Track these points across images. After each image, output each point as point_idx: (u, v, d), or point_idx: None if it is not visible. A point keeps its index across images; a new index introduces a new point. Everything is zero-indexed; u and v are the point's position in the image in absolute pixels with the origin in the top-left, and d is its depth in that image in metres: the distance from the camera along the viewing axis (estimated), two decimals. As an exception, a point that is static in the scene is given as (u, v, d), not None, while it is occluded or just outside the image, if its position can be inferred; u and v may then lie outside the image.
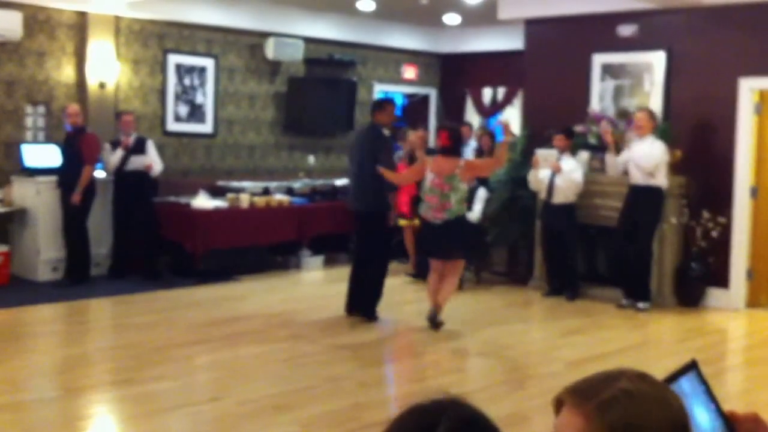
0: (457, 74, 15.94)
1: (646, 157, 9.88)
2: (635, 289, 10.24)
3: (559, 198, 10.61)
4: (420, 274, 11.16)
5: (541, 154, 10.76)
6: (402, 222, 11.88)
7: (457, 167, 8.81)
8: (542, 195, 10.80)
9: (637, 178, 10.04)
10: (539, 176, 10.75)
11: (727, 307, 10.35)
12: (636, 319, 9.91)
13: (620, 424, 1.67)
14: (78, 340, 8.76)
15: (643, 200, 10.04)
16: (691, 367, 1.96)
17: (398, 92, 16.09)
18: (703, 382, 1.96)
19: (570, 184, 10.54)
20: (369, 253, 9.36)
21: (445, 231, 8.85)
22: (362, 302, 9.45)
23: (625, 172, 10.21)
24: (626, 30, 11.08)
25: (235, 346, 8.27)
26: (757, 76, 10.16)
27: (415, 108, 16.23)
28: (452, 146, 8.93)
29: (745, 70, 10.20)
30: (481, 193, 11.14)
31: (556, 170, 10.56)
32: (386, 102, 9.84)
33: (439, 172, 8.80)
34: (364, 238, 9.46)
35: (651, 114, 10.11)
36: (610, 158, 10.28)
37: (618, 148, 10.28)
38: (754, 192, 10.33)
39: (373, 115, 9.61)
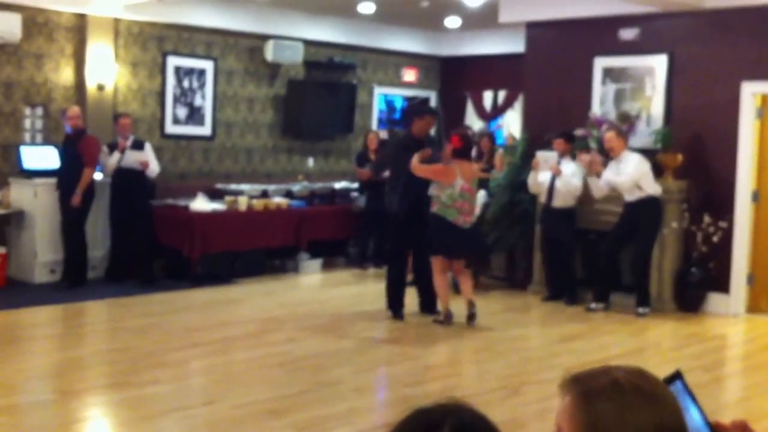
0: (458, 77, 15.90)
1: (623, 175, 9.87)
2: (636, 294, 10.18)
3: (558, 202, 10.58)
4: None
5: (542, 156, 10.73)
6: None
7: (476, 171, 9.42)
8: (542, 198, 10.77)
9: (627, 196, 10.02)
10: (539, 179, 10.71)
11: (728, 313, 10.29)
12: (635, 324, 9.85)
13: (603, 413, 1.74)
14: (74, 343, 8.70)
15: (642, 213, 9.99)
16: (676, 377, 1.91)
17: (398, 95, 16.05)
18: (689, 392, 1.91)
19: (569, 188, 10.50)
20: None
21: (472, 233, 9.40)
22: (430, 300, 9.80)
23: (614, 191, 10.19)
24: (628, 33, 11.03)
25: (231, 350, 8.23)
26: (759, 80, 10.11)
27: (415, 111, 16.14)
28: (465, 149, 9.33)
29: (747, 74, 10.15)
30: (481, 197, 11.11)
31: (556, 173, 10.52)
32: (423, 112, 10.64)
33: (467, 178, 9.23)
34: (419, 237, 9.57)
35: (618, 132, 10.09)
36: (593, 182, 10.25)
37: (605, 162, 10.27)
38: (756, 197, 10.28)
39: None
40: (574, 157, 10.69)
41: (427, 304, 9.86)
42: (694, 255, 10.38)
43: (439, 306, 9.57)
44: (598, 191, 10.25)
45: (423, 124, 9.91)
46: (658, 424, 1.73)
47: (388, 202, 9.82)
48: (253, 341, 8.59)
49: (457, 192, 9.14)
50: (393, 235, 9.84)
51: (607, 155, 10.53)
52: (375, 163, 11.16)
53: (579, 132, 10.93)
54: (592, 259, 10.58)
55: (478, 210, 9.72)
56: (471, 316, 9.43)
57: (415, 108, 10.67)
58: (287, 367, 7.69)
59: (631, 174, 9.85)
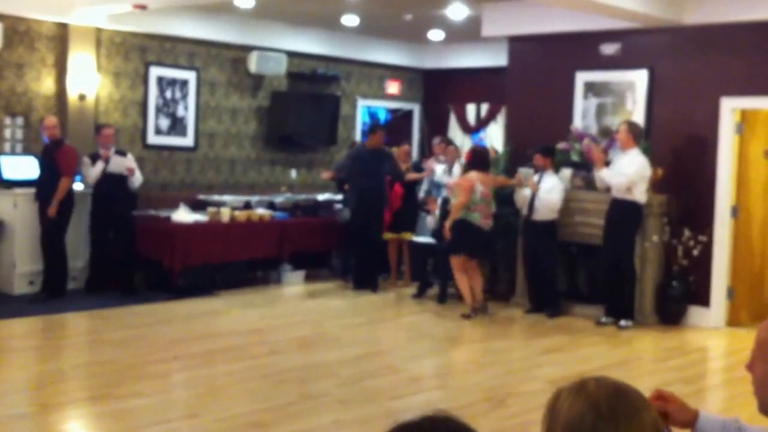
0: (441, 90, 15.95)
1: (619, 175, 9.90)
2: (618, 306, 10.22)
3: (539, 215, 10.61)
4: (422, 291, 11.79)
5: (523, 172, 10.78)
6: (388, 235, 12.01)
7: (495, 180, 10.82)
8: (524, 211, 10.81)
9: (615, 192, 10.07)
10: (524, 194, 10.76)
11: (708, 326, 10.34)
12: (617, 337, 9.88)
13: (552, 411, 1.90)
14: (54, 355, 8.64)
15: (621, 214, 10.05)
16: None
17: (382, 107, 16.08)
18: None
19: (548, 204, 10.55)
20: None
21: (490, 235, 10.68)
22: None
23: (609, 188, 10.22)
24: (609, 49, 11.10)
25: (213, 362, 8.20)
26: (739, 96, 10.19)
27: (399, 123, 16.21)
28: (475, 161, 10.71)
29: (727, 89, 10.22)
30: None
31: (533, 189, 10.59)
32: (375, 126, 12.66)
33: (486, 184, 10.51)
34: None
35: (630, 126, 10.10)
36: (596, 174, 10.27)
37: (607, 163, 10.28)
38: (735, 211, 10.34)
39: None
40: (557, 170, 10.74)
41: (361, 281, 12.01)
42: (674, 268, 10.43)
43: (463, 297, 10.71)
44: (599, 182, 10.30)
45: (374, 138, 12.19)
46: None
47: (346, 201, 12.52)
48: (235, 354, 8.56)
49: (478, 197, 10.37)
50: (350, 226, 12.17)
51: (587, 167, 10.59)
52: (336, 166, 12.94)
53: (561, 145, 10.98)
54: (602, 277, 10.55)
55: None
56: (484, 308, 10.59)
57: (372, 125, 12.54)
58: (271, 379, 7.67)
59: (630, 175, 9.88)
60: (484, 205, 10.43)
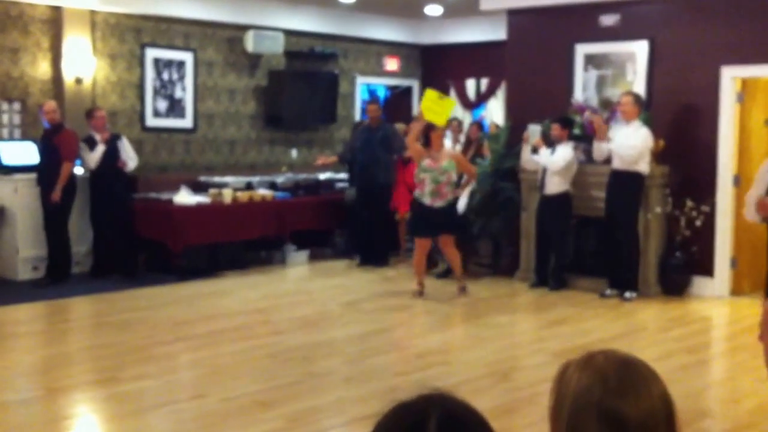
0: (440, 66, 15.89)
1: (628, 147, 9.86)
2: (622, 278, 10.21)
3: (551, 189, 10.54)
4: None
5: (531, 129, 10.74)
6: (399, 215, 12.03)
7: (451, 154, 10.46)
8: (537, 184, 10.75)
9: (617, 163, 10.03)
10: (533, 157, 10.68)
11: (712, 296, 10.33)
12: (621, 308, 9.88)
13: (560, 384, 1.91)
14: (59, 339, 8.64)
15: (623, 186, 10.02)
16: None
17: (380, 84, 16.03)
18: None
19: (554, 167, 10.41)
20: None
21: (443, 214, 10.12)
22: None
23: (609, 159, 10.18)
24: (608, 20, 11.03)
25: (218, 342, 8.19)
26: (739, 64, 10.14)
27: (398, 100, 16.16)
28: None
29: (727, 58, 10.18)
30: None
31: (538, 146, 10.53)
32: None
33: (437, 159, 10.02)
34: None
35: (636, 98, 10.07)
36: (597, 145, 10.22)
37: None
38: (737, 180, 10.31)
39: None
40: (571, 138, 10.62)
41: (368, 257, 12.17)
42: (677, 239, 10.41)
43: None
44: (599, 154, 10.24)
45: (370, 110, 12.40)
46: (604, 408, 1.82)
47: (353, 180, 12.57)
48: (240, 333, 8.56)
49: (423, 172, 9.94)
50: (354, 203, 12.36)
51: (587, 140, 10.54)
52: (343, 151, 12.91)
53: (561, 118, 10.92)
54: (604, 249, 10.52)
55: (461, 194, 10.59)
56: (463, 289, 10.39)
57: (370, 98, 12.67)
58: (276, 358, 7.67)
59: (639, 147, 9.86)
60: (432, 183, 9.92)
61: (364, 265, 12.06)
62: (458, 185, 10.35)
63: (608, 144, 10.05)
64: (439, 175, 9.86)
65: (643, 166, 9.98)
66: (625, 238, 10.13)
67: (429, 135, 9.95)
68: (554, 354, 7.78)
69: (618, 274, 10.26)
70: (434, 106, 9.98)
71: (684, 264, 10.39)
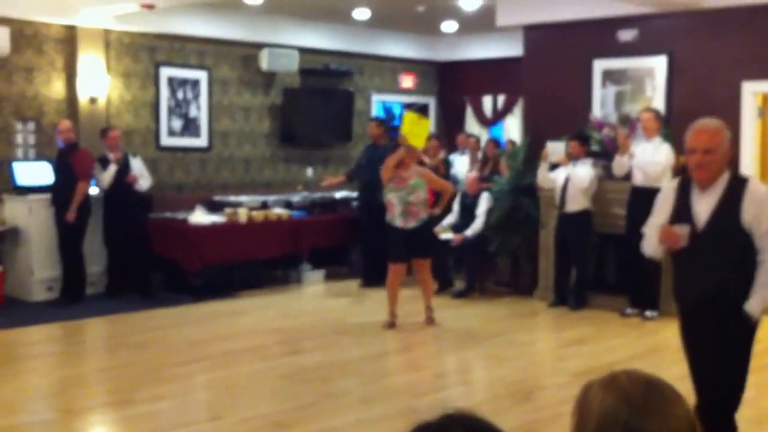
0: (456, 82, 15.81)
1: (652, 164, 9.75)
2: (643, 297, 10.07)
3: (572, 206, 10.43)
4: (442, 290, 11.47)
5: (551, 146, 10.63)
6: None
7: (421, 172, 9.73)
8: (555, 202, 10.63)
9: (639, 179, 9.91)
10: (549, 174, 10.59)
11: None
12: (642, 327, 9.74)
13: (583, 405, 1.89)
14: (74, 360, 8.54)
15: (644, 202, 9.86)
16: None
17: (396, 101, 15.96)
18: None
19: (579, 184, 10.32)
20: None
21: (415, 235, 9.53)
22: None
23: (629, 175, 10.07)
24: (626, 35, 10.93)
25: (234, 363, 8.09)
26: (760, 79, 10.01)
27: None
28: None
29: (748, 74, 10.05)
30: (484, 202, 11.15)
31: (564, 163, 10.42)
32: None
33: (404, 178, 9.49)
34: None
35: (657, 114, 9.97)
36: (618, 159, 10.11)
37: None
38: (759, 196, 10.15)
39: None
40: (590, 155, 10.52)
41: (370, 277, 11.81)
42: (699, 257, 10.24)
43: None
44: (620, 169, 10.12)
45: (370, 130, 12.33)
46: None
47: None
48: (256, 354, 8.45)
49: (389, 192, 9.43)
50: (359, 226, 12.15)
51: (607, 157, 10.43)
52: (351, 169, 12.65)
53: (580, 134, 10.83)
54: (624, 267, 10.40)
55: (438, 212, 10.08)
56: (429, 320, 9.76)
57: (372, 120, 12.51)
58: (292, 379, 7.56)
59: (662, 163, 9.75)
60: (401, 204, 9.36)
61: (368, 286, 11.77)
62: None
63: (630, 159, 9.94)
64: (407, 195, 9.35)
65: (664, 183, 9.84)
66: (646, 257, 9.97)
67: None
68: (575, 374, 7.66)
69: (639, 292, 10.13)
70: (415, 129, 9.56)
71: (706, 281, 10.22)
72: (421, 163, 10.50)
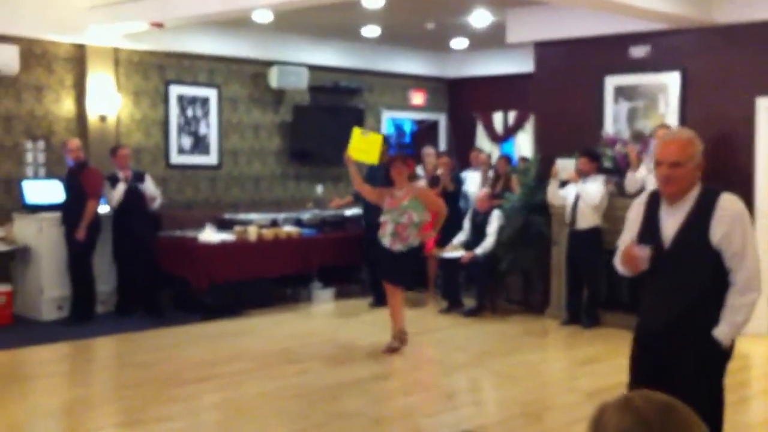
0: (466, 99, 15.76)
1: None
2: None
3: (582, 223, 10.36)
4: (452, 308, 11.42)
5: (561, 164, 10.56)
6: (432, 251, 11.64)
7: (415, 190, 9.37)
8: (566, 219, 10.56)
9: None
10: (559, 192, 10.53)
11: (750, 332, 10.04)
12: (656, 346, 9.61)
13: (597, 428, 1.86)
14: (83, 380, 8.50)
15: None
16: None
17: (407, 118, 15.92)
18: None
19: (590, 201, 10.26)
20: None
21: (399, 257, 9.20)
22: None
23: (642, 190, 9.98)
24: (639, 51, 10.86)
25: (243, 382, 8.01)
26: (774, 95, 9.94)
27: (425, 134, 16.04)
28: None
29: (762, 89, 9.97)
30: (495, 219, 11.08)
31: (574, 180, 10.35)
32: None
33: (398, 198, 9.22)
34: None
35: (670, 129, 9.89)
36: (631, 175, 10.03)
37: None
38: (775, 213, 10.07)
39: None
40: (601, 171, 10.46)
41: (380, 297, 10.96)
42: (713, 274, 10.14)
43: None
44: (632, 185, 10.05)
45: None
46: None
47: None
48: (266, 373, 8.37)
49: (384, 212, 9.19)
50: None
51: (619, 173, 10.36)
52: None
53: (592, 151, 10.76)
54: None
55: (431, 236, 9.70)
56: (392, 347, 9.19)
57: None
58: (303, 399, 7.47)
59: None
60: (392, 224, 9.09)
61: (378, 305, 11.41)
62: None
63: (639, 173, 9.86)
64: (399, 215, 9.05)
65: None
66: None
67: (389, 173, 9.32)
68: (588, 393, 7.57)
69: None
70: (361, 145, 9.26)
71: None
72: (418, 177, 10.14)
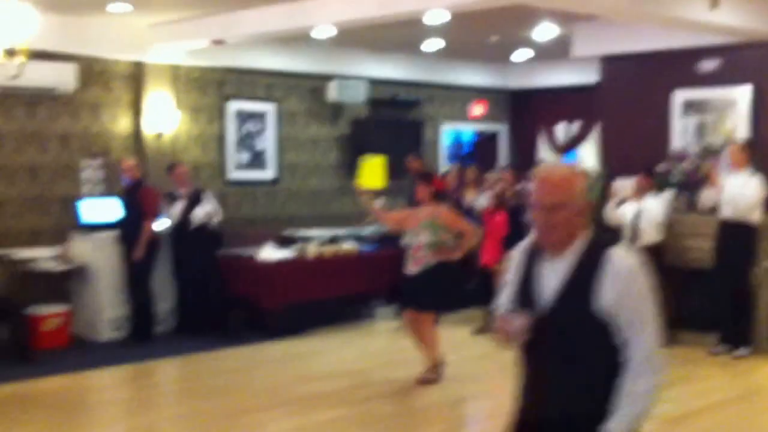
0: (528, 110, 15.52)
1: (744, 196, 9.37)
2: (734, 334, 9.66)
3: (644, 240, 10.08)
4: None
5: (620, 185, 10.32)
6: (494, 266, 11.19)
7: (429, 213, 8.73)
8: (626, 237, 10.28)
9: (728, 213, 9.52)
10: (618, 210, 10.27)
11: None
12: (734, 367, 9.32)
13: None
14: (144, 407, 8.29)
15: (734, 237, 9.52)
16: None
17: (467, 130, 15.72)
18: None
19: (652, 221, 10.01)
20: None
21: (417, 281, 8.78)
22: None
23: (714, 208, 9.68)
24: (708, 65, 10.59)
25: (312, 408, 7.79)
26: None
27: (485, 146, 15.81)
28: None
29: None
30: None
31: (632, 198, 10.10)
32: None
33: (417, 219, 8.77)
34: None
35: (743, 147, 9.60)
36: (707, 192, 9.80)
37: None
38: None
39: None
40: (661, 191, 10.20)
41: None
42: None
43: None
44: (708, 201, 9.80)
45: (408, 163, 12.30)
46: None
47: None
48: (334, 399, 8.12)
49: (406, 235, 8.74)
50: None
51: (688, 188, 10.09)
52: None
53: (661, 167, 10.47)
54: (714, 303, 9.99)
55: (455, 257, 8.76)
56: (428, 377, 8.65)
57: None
58: (373, 427, 7.26)
59: (755, 196, 9.39)
60: (408, 247, 8.69)
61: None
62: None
63: (724, 192, 9.55)
64: (414, 236, 8.62)
65: (755, 216, 9.47)
66: (738, 291, 9.60)
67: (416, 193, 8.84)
68: (667, 420, 7.25)
69: (729, 329, 9.71)
70: (366, 173, 9.09)
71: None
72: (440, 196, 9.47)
